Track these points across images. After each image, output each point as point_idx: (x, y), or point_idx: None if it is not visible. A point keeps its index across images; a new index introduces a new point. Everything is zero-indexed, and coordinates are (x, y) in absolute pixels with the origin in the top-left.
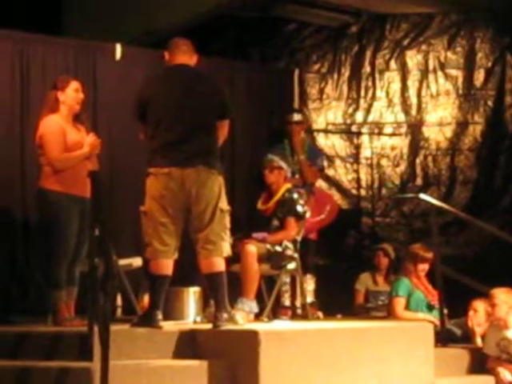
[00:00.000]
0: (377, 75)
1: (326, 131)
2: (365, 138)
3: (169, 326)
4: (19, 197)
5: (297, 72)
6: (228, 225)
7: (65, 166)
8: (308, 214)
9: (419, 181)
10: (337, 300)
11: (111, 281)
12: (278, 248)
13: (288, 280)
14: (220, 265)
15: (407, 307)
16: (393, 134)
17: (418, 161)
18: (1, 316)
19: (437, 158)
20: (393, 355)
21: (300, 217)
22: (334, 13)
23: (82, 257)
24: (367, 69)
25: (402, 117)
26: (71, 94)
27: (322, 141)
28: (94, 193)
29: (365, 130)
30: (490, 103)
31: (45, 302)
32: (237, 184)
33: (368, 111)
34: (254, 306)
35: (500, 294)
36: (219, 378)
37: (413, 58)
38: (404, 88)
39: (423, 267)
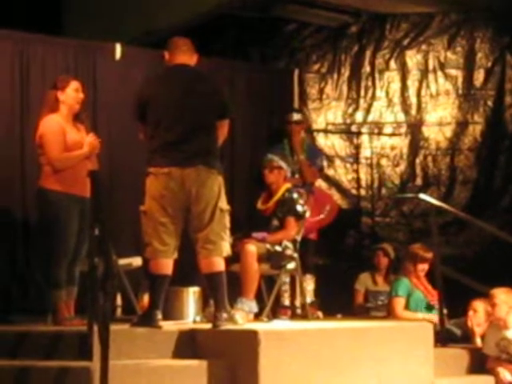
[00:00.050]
0: (377, 75)
1: (325, 131)
2: (364, 138)
3: (168, 325)
4: (19, 197)
5: (297, 72)
6: (228, 224)
7: (65, 166)
8: (308, 214)
9: (419, 181)
10: (336, 300)
11: (111, 280)
12: (278, 248)
13: (288, 280)
14: (220, 264)
15: (407, 307)
16: (393, 134)
17: (417, 161)
18: (1, 316)
19: (437, 157)
20: (392, 355)
21: (300, 216)
22: (333, 13)
23: (82, 256)
24: (367, 69)
25: (401, 117)
26: (71, 94)
27: (321, 141)
28: (93, 192)
29: (364, 129)
30: (489, 103)
31: (45, 301)
32: (237, 184)
33: (368, 111)
34: (253, 306)
35: (500, 293)
36: (219, 378)
37: (413, 58)
38: (404, 88)
39: (423, 267)
